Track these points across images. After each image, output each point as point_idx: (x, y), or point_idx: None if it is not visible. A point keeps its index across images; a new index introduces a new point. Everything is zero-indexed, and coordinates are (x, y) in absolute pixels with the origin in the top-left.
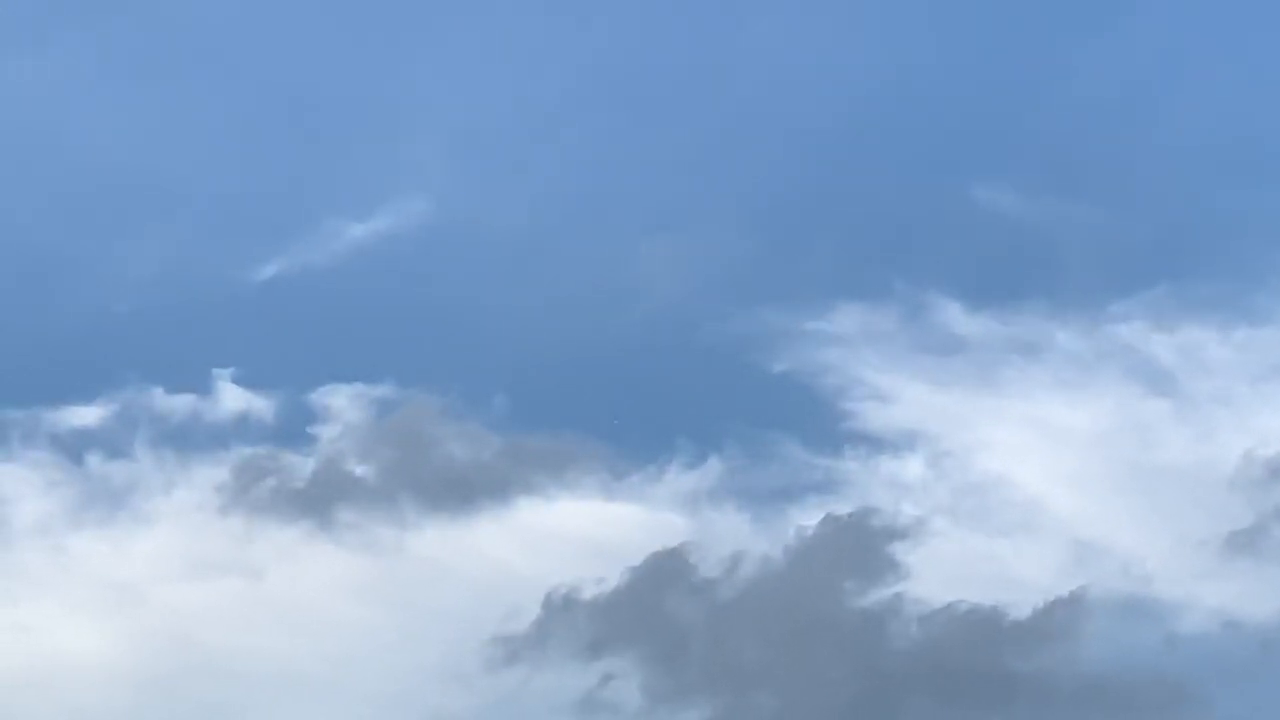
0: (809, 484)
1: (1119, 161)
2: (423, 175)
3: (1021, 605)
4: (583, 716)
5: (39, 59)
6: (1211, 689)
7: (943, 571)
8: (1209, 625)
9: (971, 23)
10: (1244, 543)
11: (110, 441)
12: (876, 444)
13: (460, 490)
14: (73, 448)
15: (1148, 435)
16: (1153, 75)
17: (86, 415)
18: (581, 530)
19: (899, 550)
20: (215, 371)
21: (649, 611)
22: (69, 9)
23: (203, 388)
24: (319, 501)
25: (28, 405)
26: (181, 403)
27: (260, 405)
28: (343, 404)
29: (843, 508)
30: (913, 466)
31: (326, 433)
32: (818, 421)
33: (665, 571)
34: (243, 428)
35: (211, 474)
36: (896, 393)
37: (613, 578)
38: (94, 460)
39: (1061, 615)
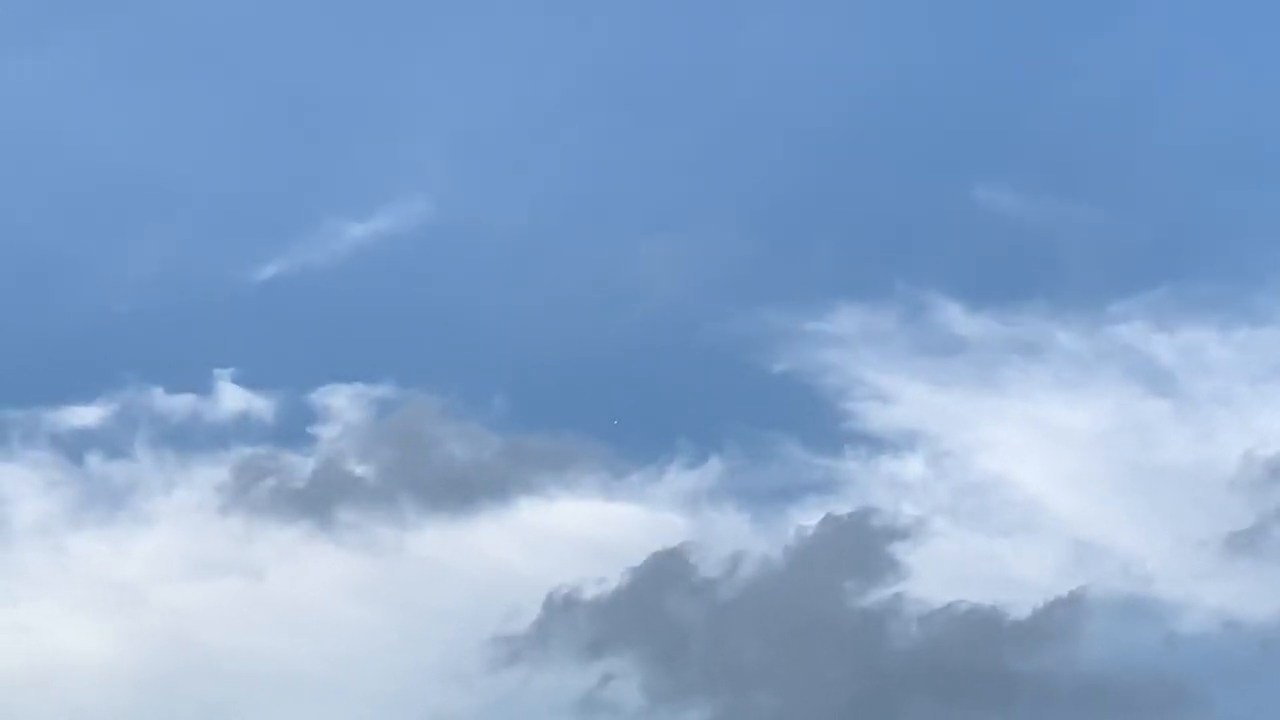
0: (809, 484)
1: (1119, 162)
2: (423, 175)
3: (1021, 605)
4: (583, 716)
5: (39, 59)
6: (1212, 689)
7: (943, 571)
8: (1209, 625)
9: (971, 23)
10: (1244, 543)
11: (110, 441)
12: (877, 444)
13: (460, 490)
14: (73, 448)
15: (1148, 435)
16: (1153, 75)
17: (87, 415)
18: (582, 530)
19: (899, 550)
20: (215, 371)
21: (649, 611)
22: (69, 9)
23: (203, 388)
24: (319, 501)
25: (28, 405)
26: (181, 403)
27: (260, 405)
28: (343, 404)
29: (843, 508)
30: (913, 466)
31: (327, 433)
32: (818, 421)
33: (665, 571)
34: (243, 428)
35: (212, 474)
36: (897, 393)
37: (613, 578)
38: (94, 460)
39: (1061, 615)
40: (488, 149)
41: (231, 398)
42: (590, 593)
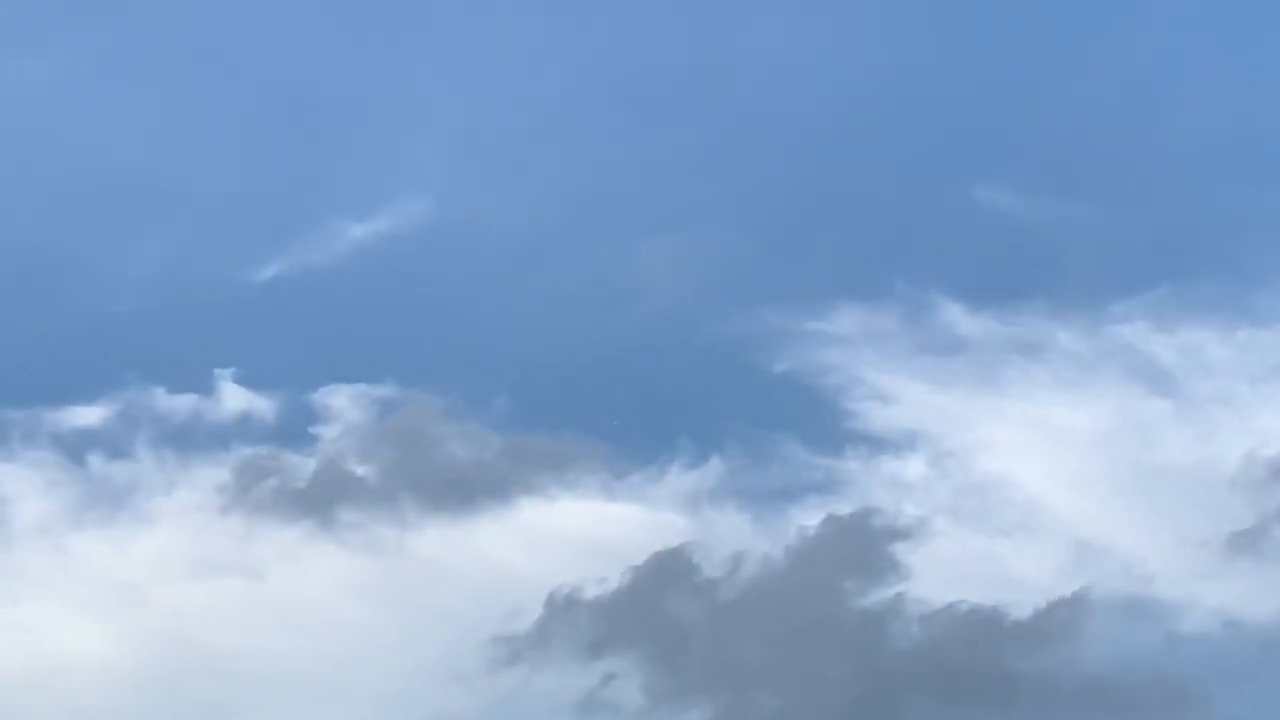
0: (810, 484)
1: (1120, 162)
2: (423, 175)
3: (1023, 605)
4: (584, 716)
5: (39, 59)
6: (1212, 689)
7: (944, 572)
8: (1210, 625)
9: (972, 23)
10: (1245, 543)
11: (111, 441)
12: (878, 444)
13: (461, 490)
14: (74, 448)
15: (1149, 435)
16: (1154, 75)
17: (88, 415)
18: (583, 530)
19: (900, 550)
20: (217, 371)
21: (650, 611)
22: (69, 9)
23: (204, 388)
24: (320, 502)
25: (29, 405)
26: (183, 403)
27: (261, 405)
28: (344, 404)
29: (844, 508)
30: (914, 467)
31: (328, 433)
32: (819, 422)
33: (667, 571)
34: (244, 428)
35: (213, 474)
36: (897, 393)
37: (614, 578)
38: (95, 460)
39: (1063, 615)
40: (488, 149)
41: (233, 398)
42: (591, 593)
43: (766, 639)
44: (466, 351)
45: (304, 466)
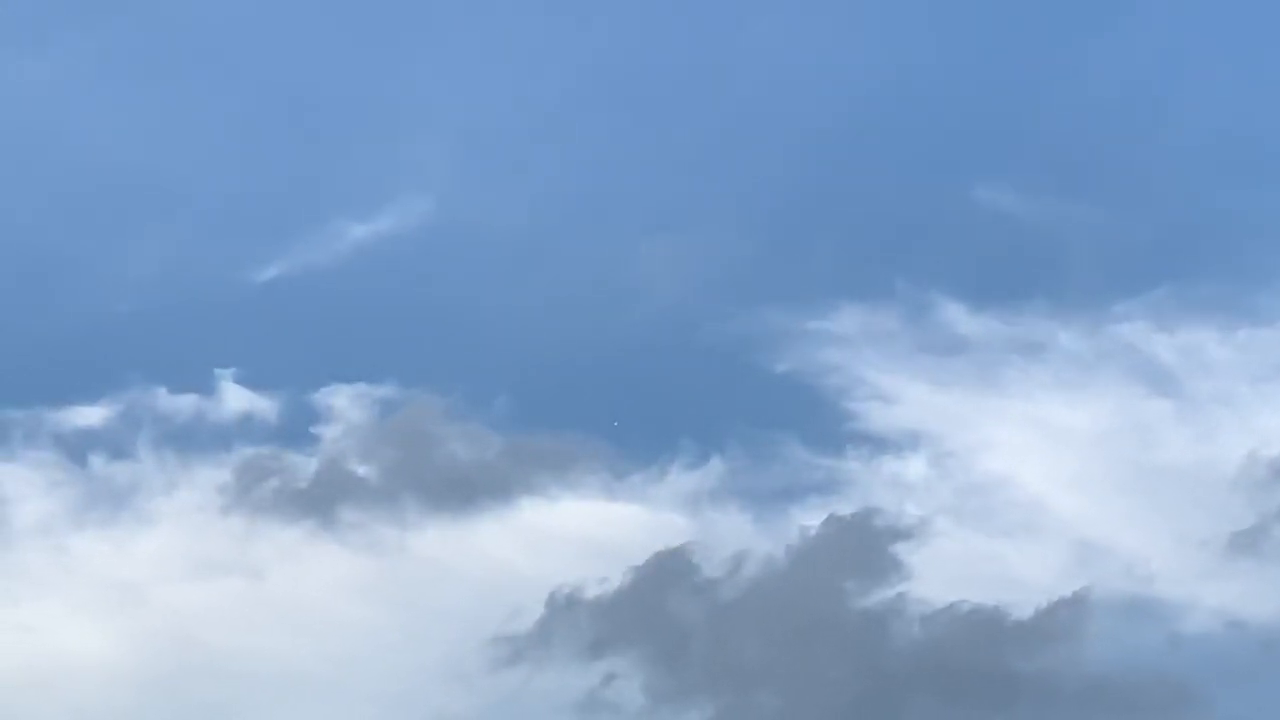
0: (811, 484)
1: (1121, 162)
2: (424, 175)
3: (1024, 605)
4: (585, 716)
5: (39, 59)
6: (1214, 689)
7: (945, 571)
8: (1211, 625)
9: (972, 22)
10: (1246, 543)
11: (113, 442)
12: (879, 444)
13: (462, 490)
14: (75, 448)
15: (1149, 435)
16: (1154, 76)
17: (89, 415)
18: (584, 530)
19: (901, 550)
20: (218, 372)
21: (651, 611)
22: (69, 9)
23: (205, 388)
24: (321, 501)
25: (30, 405)
26: (184, 403)
27: (263, 405)
28: (345, 404)
29: (845, 508)
30: (915, 466)
31: (329, 433)
32: (820, 422)
33: (668, 571)
34: (245, 428)
35: (214, 474)
36: (898, 393)
37: (615, 578)
38: (97, 460)
39: (1064, 615)
40: (489, 149)
41: (234, 398)
42: (592, 593)
43: (767, 639)
44: (467, 351)
45: (305, 466)
